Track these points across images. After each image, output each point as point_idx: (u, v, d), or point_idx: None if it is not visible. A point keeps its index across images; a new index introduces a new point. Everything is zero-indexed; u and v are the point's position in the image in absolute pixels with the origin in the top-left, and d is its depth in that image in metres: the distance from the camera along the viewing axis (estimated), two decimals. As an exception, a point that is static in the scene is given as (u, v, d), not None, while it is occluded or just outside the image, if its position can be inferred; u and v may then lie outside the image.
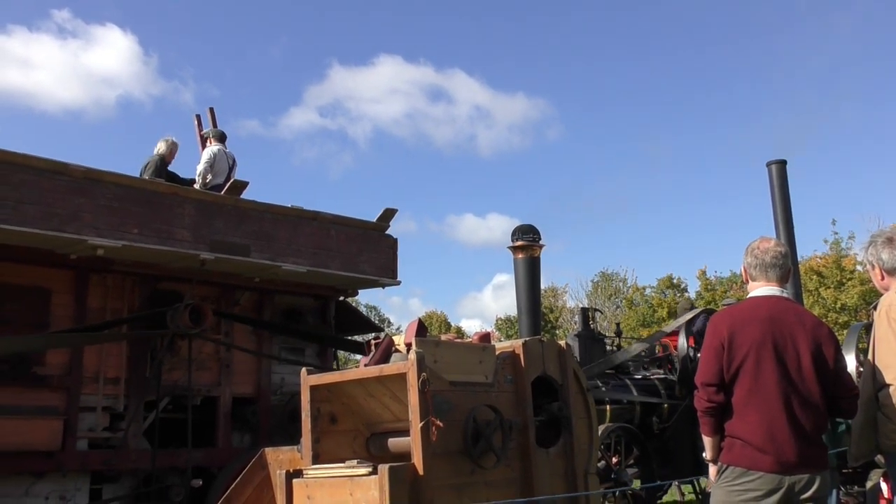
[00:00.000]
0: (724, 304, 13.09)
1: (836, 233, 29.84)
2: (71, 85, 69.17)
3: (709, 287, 32.55)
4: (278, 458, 5.23)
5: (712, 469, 3.72)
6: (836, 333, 4.29)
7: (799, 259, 10.59)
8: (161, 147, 9.56)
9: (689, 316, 11.31)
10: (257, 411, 8.53)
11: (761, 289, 3.77)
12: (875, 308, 3.93)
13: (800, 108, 51.27)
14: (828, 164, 54.51)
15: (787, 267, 3.81)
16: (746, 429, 3.53)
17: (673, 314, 22.62)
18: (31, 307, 7.31)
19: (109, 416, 7.63)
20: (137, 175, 8.92)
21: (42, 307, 7.37)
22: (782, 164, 7.93)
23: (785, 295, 3.78)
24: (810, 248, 30.29)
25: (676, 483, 12.22)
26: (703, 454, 3.78)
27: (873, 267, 4.02)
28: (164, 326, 7.74)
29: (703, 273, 33.48)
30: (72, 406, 7.31)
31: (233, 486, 5.37)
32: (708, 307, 19.22)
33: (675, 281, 35.41)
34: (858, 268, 25.04)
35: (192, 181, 9.38)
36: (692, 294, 33.39)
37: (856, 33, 49.90)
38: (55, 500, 7.20)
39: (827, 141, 51.94)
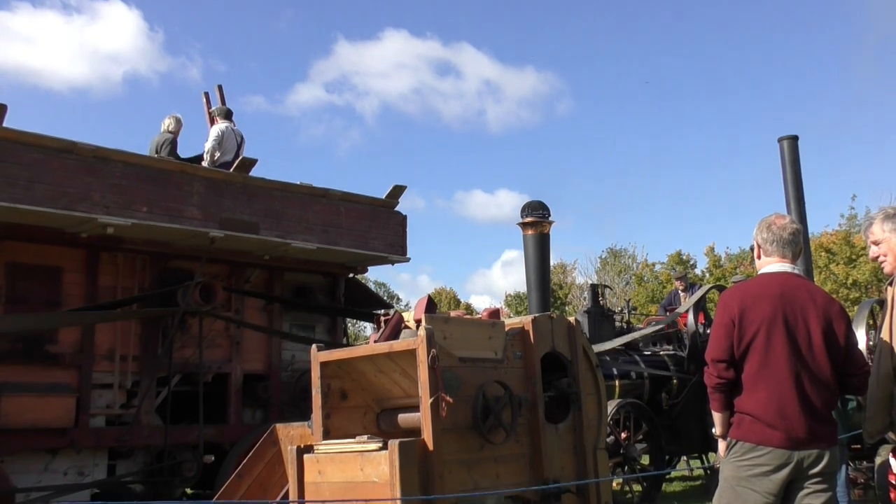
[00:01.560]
0: (734, 282, 13.07)
1: (853, 208, 29.70)
2: (77, 62, 68.98)
3: (717, 264, 32.44)
4: (289, 434, 5.27)
5: (722, 444, 3.73)
6: (847, 310, 4.27)
7: (810, 235, 10.54)
8: (171, 124, 9.56)
9: (699, 293, 11.32)
10: (268, 388, 8.58)
11: (774, 265, 3.76)
12: (891, 284, 3.91)
13: (817, 81, 50.86)
14: (848, 139, 53.89)
15: (800, 245, 3.81)
16: (756, 405, 3.54)
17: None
18: (44, 286, 7.37)
19: (122, 394, 7.71)
20: (148, 154, 8.95)
21: (54, 286, 7.42)
22: (794, 139, 7.86)
23: (796, 272, 3.76)
24: (825, 225, 30.12)
25: (685, 458, 12.30)
26: (713, 430, 3.79)
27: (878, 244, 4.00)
28: (175, 304, 7.78)
29: (712, 250, 33.37)
30: (84, 383, 7.38)
31: (244, 461, 5.42)
32: (718, 283, 19.21)
33: (684, 257, 35.29)
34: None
35: (196, 158, 9.37)
36: (699, 271, 33.29)
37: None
38: (74, 476, 7.29)
39: (847, 114, 51.52)
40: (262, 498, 5.20)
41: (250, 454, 5.46)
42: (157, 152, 9.06)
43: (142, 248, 7.84)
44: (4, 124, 6.76)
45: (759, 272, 3.83)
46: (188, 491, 8.76)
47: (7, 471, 6.79)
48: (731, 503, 3.58)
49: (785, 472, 3.49)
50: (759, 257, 3.86)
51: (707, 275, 31.73)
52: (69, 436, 7.18)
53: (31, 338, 7.16)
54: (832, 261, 26.36)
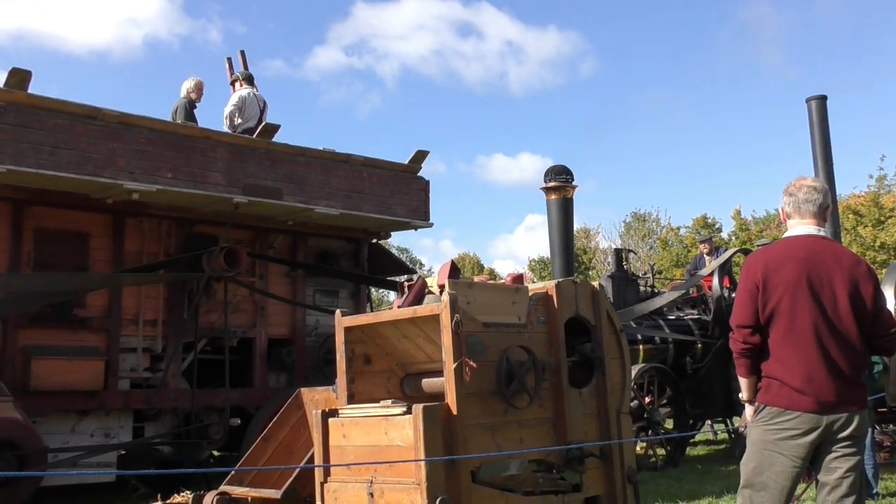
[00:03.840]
0: (759, 245, 12.96)
1: (882, 168, 29.12)
2: (96, 25, 68.66)
3: (743, 227, 32.12)
4: (314, 398, 5.31)
5: (749, 409, 3.72)
6: (876, 273, 4.20)
7: (837, 197, 10.40)
8: (190, 88, 9.54)
9: (723, 257, 11.24)
10: (293, 352, 8.66)
11: (797, 227, 3.71)
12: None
13: (848, 40, 49.78)
14: (881, 99, 52.73)
15: (822, 204, 3.71)
16: (784, 370, 3.52)
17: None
18: (70, 251, 7.47)
19: (148, 357, 7.82)
20: (168, 119, 8.97)
21: (81, 251, 7.52)
22: (822, 99, 7.73)
23: (822, 234, 3.71)
24: (854, 186, 29.52)
25: (709, 422, 12.31)
26: (740, 394, 3.78)
27: None
28: (200, 269, 7.85)
29: (738, 213, 33.02)
30: (112, 347, 7.51)
31: (270, 425, 5.48)
32: (744, 246, 19.07)
33: (709, 221, 34.98)
34: None
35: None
36: (725, 235, 33.00)
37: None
38: (100, 438, 7.44)
39: (878, 74, 50.42)
40: (287, 460, 5.27)
41: (276, 418, 5.51)
42: (173, 118, 9.07)
43: (167, 214, 7.90)
44: (28, 90, 6.79)
45: (784, 235, 3.80)
46: (215, 453, 8.91)
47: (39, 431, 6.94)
48: (759, 466, 3.59)
49: (813, 435, 3.48)
50: (784, 221, 3.83)
51: (733, 238, 31.45)
52: (99, 398, 7.32)
53: (59, 302, 7.26)
54: (860, 223, 26.02)
